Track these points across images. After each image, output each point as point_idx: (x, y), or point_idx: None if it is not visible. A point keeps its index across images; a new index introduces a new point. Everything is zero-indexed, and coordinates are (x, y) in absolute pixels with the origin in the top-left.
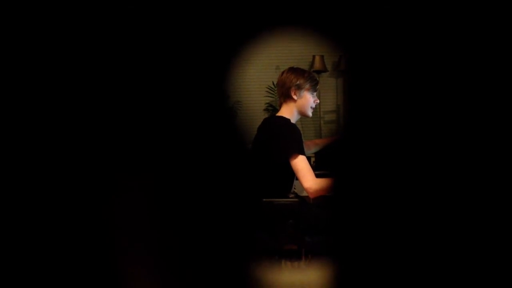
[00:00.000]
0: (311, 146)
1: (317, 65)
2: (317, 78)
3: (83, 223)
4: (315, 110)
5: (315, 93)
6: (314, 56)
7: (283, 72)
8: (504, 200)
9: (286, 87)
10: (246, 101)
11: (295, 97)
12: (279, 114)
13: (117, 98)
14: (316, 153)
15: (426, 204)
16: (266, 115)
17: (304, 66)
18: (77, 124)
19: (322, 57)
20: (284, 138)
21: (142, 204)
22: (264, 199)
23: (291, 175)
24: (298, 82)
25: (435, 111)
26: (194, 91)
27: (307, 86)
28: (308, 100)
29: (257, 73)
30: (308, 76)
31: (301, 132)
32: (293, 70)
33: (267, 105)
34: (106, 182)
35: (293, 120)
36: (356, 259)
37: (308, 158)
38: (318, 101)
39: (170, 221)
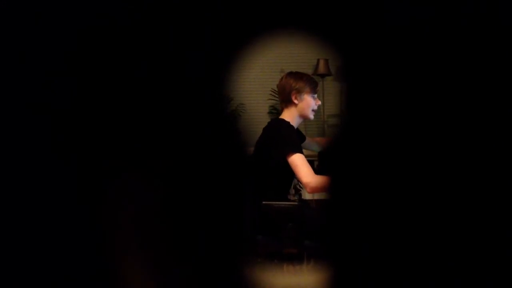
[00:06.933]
0: (314, 143)
1: (322, 69)
2: (316, 80)
3: (83, 224)
4: (319, 113)
5: (315, 95)
6: (318, 60)
7: (282, 78)
8: (504, 208)
9: (287, 92)
10: (250, 104)
11: (296, 101)
12: (280, 117)
13: (120, 100)
14: (319, 154)
15: (431, 209)
16: (270, 118)
17: (309, 69)
18: (78, 125)
19: (326, 60)
20: (279, 138)
21: (142, 206)
22: (264, 202)
23: (289, 175)
24: (297, 86)
25: (438, 116)
26: (196, 93)
27: (307, 89)
28: (309, 102)
29: (261, 75)
30: (307, 79)
31: (305, 135)
32: (291, 75)
33: (271, 108)
34: (107, 183)
35: (294, 124)
36: (357, 263)
37: (311, 162)
38: (319, 102)
39: (170, 223)
